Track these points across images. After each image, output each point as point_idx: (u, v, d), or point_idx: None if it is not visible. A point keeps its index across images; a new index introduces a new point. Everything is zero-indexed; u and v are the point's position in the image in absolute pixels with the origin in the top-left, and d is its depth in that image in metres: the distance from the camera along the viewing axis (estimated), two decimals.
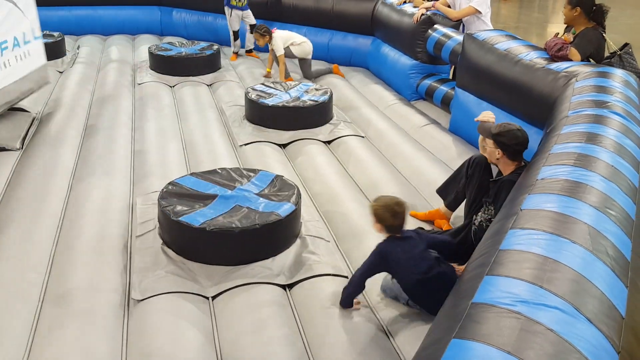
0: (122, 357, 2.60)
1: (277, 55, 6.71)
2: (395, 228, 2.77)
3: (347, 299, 2.86)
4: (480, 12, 5.80)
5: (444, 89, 5.78)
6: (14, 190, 3.91)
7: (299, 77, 6.95)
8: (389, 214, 2.73)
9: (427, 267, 2.73)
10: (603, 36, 4.18)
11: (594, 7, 4.17)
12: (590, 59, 4.19)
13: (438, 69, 6.20)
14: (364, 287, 2.86)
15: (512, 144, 3.13)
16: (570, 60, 4.09)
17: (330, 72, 7.15)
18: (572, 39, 4.25)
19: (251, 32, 7.54)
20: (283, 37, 6.72)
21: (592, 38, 4.15)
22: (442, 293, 2.44)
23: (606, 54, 4.25)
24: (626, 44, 4.19)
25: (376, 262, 2.79)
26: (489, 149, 3.25)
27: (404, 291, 2.84)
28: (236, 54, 7.90)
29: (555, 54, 4.15)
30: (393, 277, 2.88)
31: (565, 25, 4.50)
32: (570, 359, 1.45)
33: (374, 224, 2.81)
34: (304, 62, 6.90)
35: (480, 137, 3.36)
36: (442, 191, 3.79)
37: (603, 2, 4.21)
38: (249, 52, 8.00)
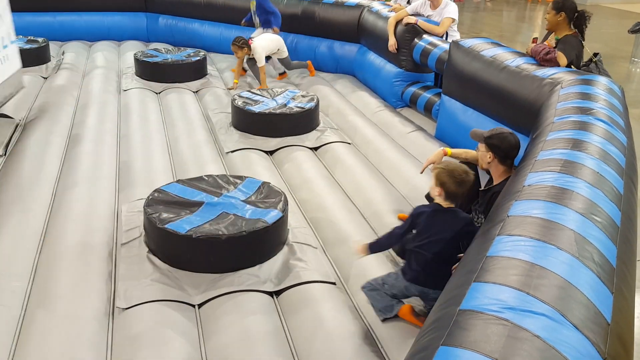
0: None
1: (259, 65, 6.61)
2: (455, 196, 2.73)
3: (375, 246, 2.89)
4: (455, 20, 5.97)
5: (426, 95, 5.81)
6: None
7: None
8: (452, 180, 2.71)
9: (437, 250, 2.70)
10: (582, 43, 4.26)
11: (577, 13, 4.24)
12: (572, 65, 4.26)
13: (423, 77, 6.22)
14: (396, 244, 2.96)
15: (502, 146, 3.16)
16: (557, 64, 4.15)
17: (305, 66, 7.38)
18: (554, 44, 4.31)
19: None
20: (264, 47, 6.61)
21: (574, 44, 4.24)
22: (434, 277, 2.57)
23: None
24: (596, 54, 4.31)
25: (408, 222, 2.80)
26: (481, 153, 3.27)
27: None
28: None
29: (544, 57, 4.20)
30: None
31: (546, 31, 4.57)
32: None
33: (433, 187, 2.78)
34: (282, 60, 7.05)
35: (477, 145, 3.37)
36: (430, 196, 3.80)
37: (587, 10, 4.29)
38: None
